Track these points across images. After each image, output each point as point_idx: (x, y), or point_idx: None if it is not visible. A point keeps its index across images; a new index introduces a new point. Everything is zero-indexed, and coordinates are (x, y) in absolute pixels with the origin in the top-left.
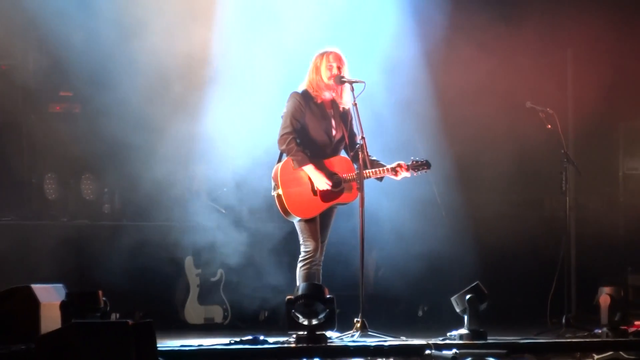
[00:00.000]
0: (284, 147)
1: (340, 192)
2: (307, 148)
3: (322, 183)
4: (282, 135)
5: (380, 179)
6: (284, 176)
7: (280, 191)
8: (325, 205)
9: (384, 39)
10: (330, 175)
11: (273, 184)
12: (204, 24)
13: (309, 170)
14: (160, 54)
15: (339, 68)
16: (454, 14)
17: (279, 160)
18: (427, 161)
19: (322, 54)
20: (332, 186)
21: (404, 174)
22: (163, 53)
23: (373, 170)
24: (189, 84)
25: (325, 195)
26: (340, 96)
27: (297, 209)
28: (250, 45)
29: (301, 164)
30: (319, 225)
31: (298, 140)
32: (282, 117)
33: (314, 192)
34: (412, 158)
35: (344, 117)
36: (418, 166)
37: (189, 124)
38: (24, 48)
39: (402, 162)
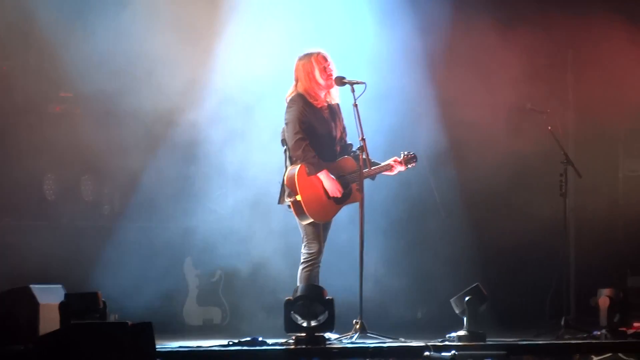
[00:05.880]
0: (299, 152)
1: (350, 193)
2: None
3: (334, 190)
4: (295, 142)
5: (374, 177)
6: (301, 182)
7: (299, 197)
8: (339, 208)
9: (385, 40)
10: (339, 178)
11: (288, 190)
12: (203, 24)
13: (323, 176)
14: (159, 56)
15: (331, 68)
16: (455, 15)
17: (290, 164)
18: (415, 154)
19: (309, 58)
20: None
21: (398, 168)
22: (161, 55)
23: (372, 168)
24: (189, 88)
25: (337, 198)
26: (329, 91)
27: (315, 214)
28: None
29: (317, 170)
30: (322, 227)
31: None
32: (286, 123)
33: (328, 195)
34: (402, 152)
35: (338, 113)
36: (409, 159)
37: (189, 126)
38: (24, 49)
39: (395, 157)
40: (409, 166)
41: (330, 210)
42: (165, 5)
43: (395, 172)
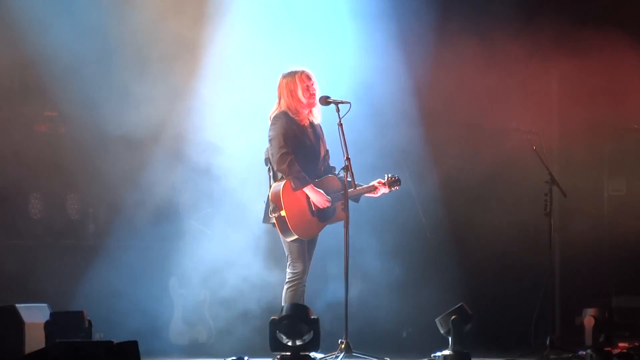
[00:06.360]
0: (284, 166)
1: (334, 212)
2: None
3: (322, 201)
4: (280, 156)
5: (357, 199)
6: (286, 197)
7: (283, 213)
8: (322, 225)
9: (369, 61)
10: (326, 194)
11: (272, 205)
12: (190, 48)
13: (309, 190)
14: (144, 75)
15: (314, 88)
16: (439, 35)
17: (274, 182)
18: (398, 178)
19: (293, 76)
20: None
21: (382, 190)
22: (147, 74)
23: (356, 189)
24: (173, 106)
25: (322, 215)
26: (311, 111)
27: (299, 230)
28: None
29: (303, 185)
30: (306, 246)
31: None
32: (270, 139)
33: (312, 212)
34: (386, 174)
35: (320, 134)
36: (393, 182)
37: (175, 144)
38: (9, 67)
39: (380, 179)
40: (393, 189)
41: (314, 227)
42: (155, 22)
43: (378, 194)
